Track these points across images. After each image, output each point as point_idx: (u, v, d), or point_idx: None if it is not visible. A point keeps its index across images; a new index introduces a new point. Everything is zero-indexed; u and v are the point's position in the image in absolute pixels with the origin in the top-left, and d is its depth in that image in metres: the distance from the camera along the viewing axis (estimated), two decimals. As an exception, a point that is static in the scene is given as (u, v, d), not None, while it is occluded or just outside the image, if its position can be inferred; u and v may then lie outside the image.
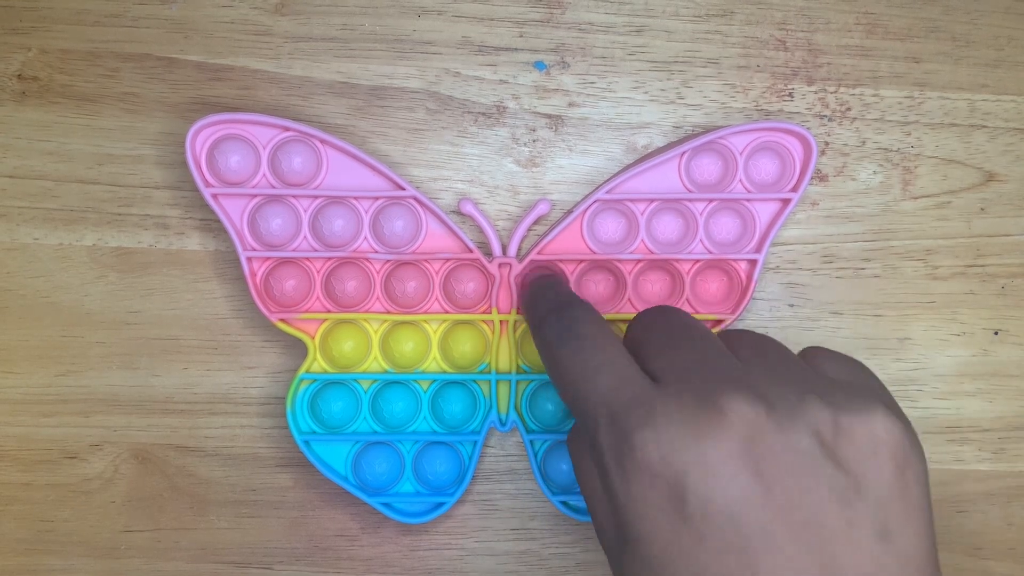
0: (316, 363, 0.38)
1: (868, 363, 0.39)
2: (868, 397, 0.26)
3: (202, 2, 0.39)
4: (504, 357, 0.38)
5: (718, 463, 0.24)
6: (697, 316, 0.38)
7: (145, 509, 0.39)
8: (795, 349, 0.39)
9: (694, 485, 0.24)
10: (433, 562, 0.39)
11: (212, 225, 0.39)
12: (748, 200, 0.37)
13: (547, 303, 0.32)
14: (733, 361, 0.28)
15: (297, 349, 0.39)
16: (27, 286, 0.39)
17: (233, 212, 0.37)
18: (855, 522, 0.24)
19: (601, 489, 0.27)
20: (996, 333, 0.40)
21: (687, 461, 0.24)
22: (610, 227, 0.38)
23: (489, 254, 0.38)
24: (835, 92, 0.40)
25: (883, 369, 0.40)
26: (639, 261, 0.38)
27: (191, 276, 0.39)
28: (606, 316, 0.38)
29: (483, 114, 0.39)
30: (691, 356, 0.28)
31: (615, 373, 0.27)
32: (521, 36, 0.39)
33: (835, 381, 0.28)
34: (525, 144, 0.39)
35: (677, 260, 0.38)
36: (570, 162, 0.39)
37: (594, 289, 0.38)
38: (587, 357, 0.28)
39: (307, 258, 0.37)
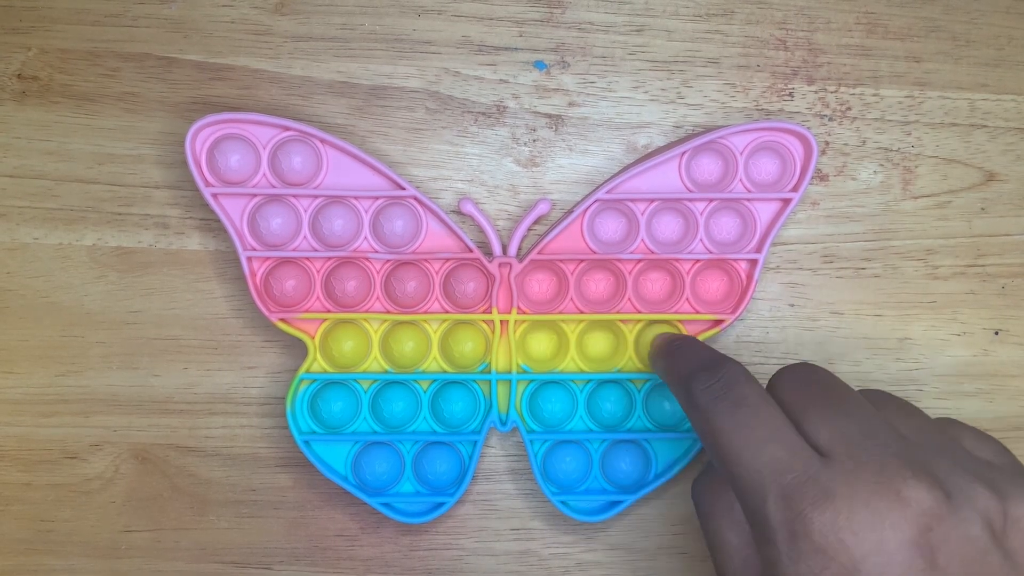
0: (316, 363, 0.38)
1: (868, 363, 0.40)
2: None
3: (202, 2, 0.39)
4: (504, 357, 0.38)
5: (895, 550, 0.24)
6: (697, 316, 0.38)
7: (145, 509, 0.39)
8: (796, 351, 0.40)
9: (869, 570, 0.24)
10: (433, 562, 0.39)
11: (212, 225, 0.39)
12: (748, 200, 0.37)
13: (694, 360, 0.31)
14: (895, 433, 0.27)
15: (297, 349, 0.39)
16: (27, 286, 0.39)
17: (233, 212, 0.37)
18: None
19: (751, 554, 0.28)
20: (996, 333, 0.40)
21: (865, 546, 0.25)
22: (610, 227, 0.38)
23: (489, 254, 0.38)
24: (835, 92, 0.40)
25: (883, 369, 0.40)
26: (639, 261, 0.38)
27: (191, 276, 0.39)
28: (607, 316, 0.38)
29: (483, 114, 0.39)
30: (856, 427, 0.27)
31: (783, 445, 0.27)
32: (521, 35, 0.39)
33: (992, 464, 0.28)
34: (525, 144, 0.39)
35: (677, 260, 0.38)
36: (570, 162, 0.39)
37: (594, 289, 0.38)
38: (751, 425, 0.28)
39: (307, 258, 0.37)
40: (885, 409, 0.29)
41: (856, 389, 0.30)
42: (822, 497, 0.25)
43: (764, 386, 0.30)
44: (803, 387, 0.29)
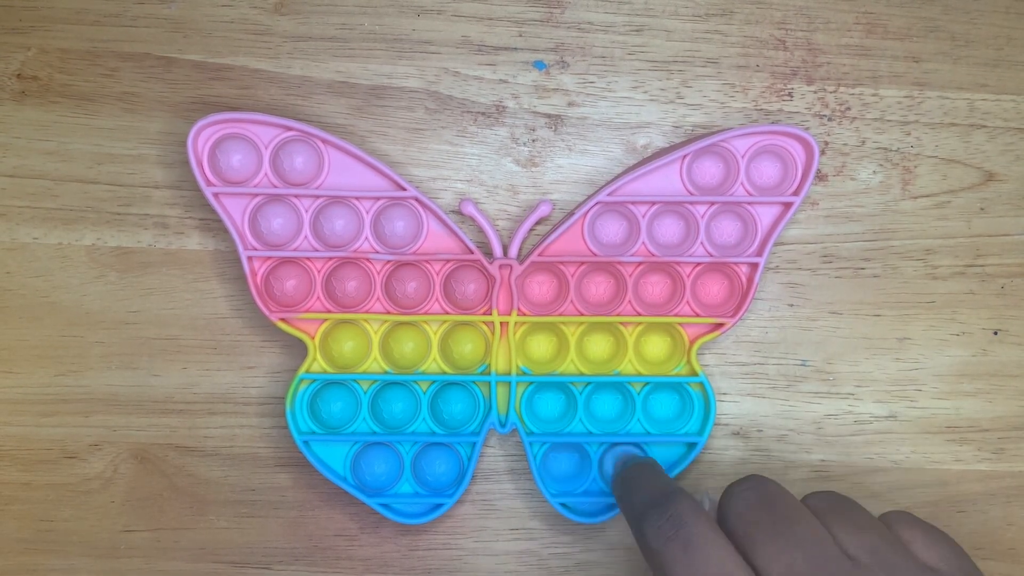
0: (316, 363, 0.38)
1: (867, 363, 0.40)
2: None
3: (201, 1, 0.39)
4: (504, 358, 0.38)
5: None
6: (698, 319, 0.38)
7: (145, 509, 0.39)
8: (795, 350, 0.40)
9: None
10: (432, 562, 0.39)
11: (211, 225, 0.39)
12: (749, 203, 0.37)
13: (645, 494, 0.31)
14: (842, 561, 0.27)
15: (296, 349, 0.39)
16: (27, 286, 0.39)
17: (234, 211, 0.37)
18: None
19: None
20: (996, 333, 0.40)
21: None
22: (611, 229, 0.38)
23: (490, 255, 0.38)
24: (834, 92, 0.40)
25: (882, 369, 0.40)
26: (640, 263, 0.38)
27: (190, 276, 0.39)
28: (607, 319, 0.38)
29: (483, 114, 0.39)
30: (804, 560, 0.27)
31: None
32: (520, 35, 0.39)
33: (935, 573, 0.28)
34: (525, 144, 0.39)
35: (678, 263, 0.38)
36: (570, 162, 0.39)
37: (595, 291, 0.38)
38: (698, 565, 0.28)
39: (308, 258, 0.37)
40: (834, 524, 0.29)
41: (810, 495, 0.31)
42: None
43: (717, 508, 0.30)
44: (752, 513, 0.29)
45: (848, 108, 0.40)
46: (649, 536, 0.29)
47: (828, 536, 0.28)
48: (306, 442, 0.38)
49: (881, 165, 0.40)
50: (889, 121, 0.40)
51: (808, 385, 0.40)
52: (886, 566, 0.28)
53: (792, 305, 0.40)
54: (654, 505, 0.30)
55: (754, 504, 0.29)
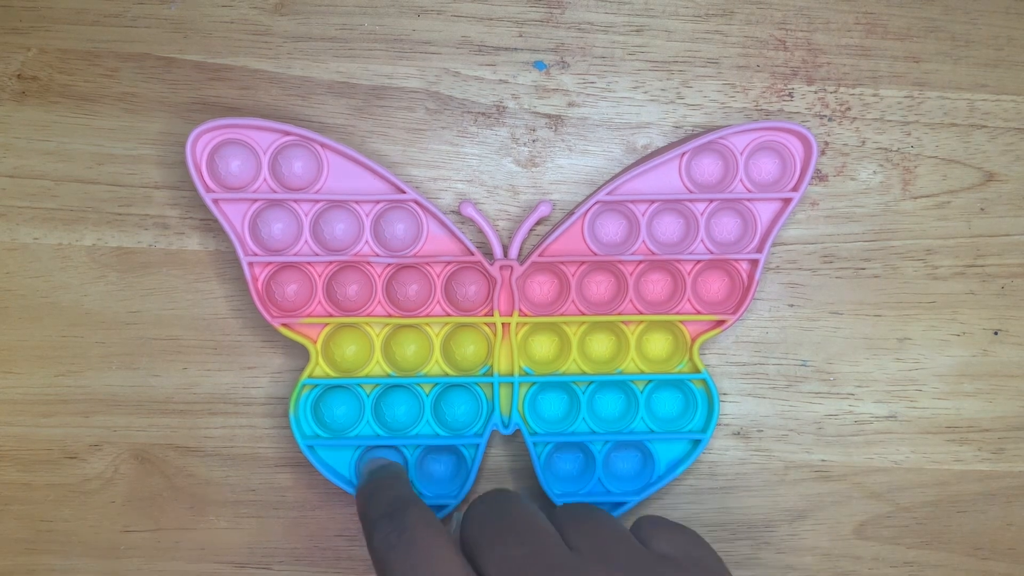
0: (319, 368, 0.38)
1: (867, 363, 0.40)
2: (694, 574, 0.28)
3: (201, 2, 0.39)
4: (506, 359, 0.38)
5: None
6: (699, 317, 0.38)
7: (145, 509, 0.39)
8: (796, 351, 0.40)
9: None
10: (433, 562, 0.39)
11: (212, 225, 0.39)
12: (749, 200, 0.37)
13: (380, 506, 0.31)
14: (562, 551, 0.28)
15: (297, 349, 0.39)
16: (27, 286, 0.39)
17: (234, 217, 0.37)
18: None
19: None
20: (996, 333, 0.40)
21: None
22: (611, 228, 0.38)
23: (490, 256, 0.38)
24: (835, 92, 0.40)
25: (883, 369, 0.40)
26: (640, 262, 0.38)
27: (191, 276, 0.39)
28: (607, 318, 0.38)
29: (483, 114, 0.39)
30: (521, 554, 0.28)
31: None
32: (521, 36, 0.39)
33: (664, 559, 0.29)
34: (525, 144, 0.39)
35: (678, 261, 0.38)
36: (570, 162, 0.39)
37: (595, 290, 0.39)
38: (416, 565, 0.28)
39: (308, 262, 0.37)
40: (566, 526, 0.30)
41: (560, 506, 0.32)
42: None
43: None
44: (483, 520, 0.30)
45: (848, 108, 0.40)
46: (376, 540, 0.30)
47: (555, 534, 0.29)
48: (310, 447, 0.38)
49: (881, 165, 0.40)
50: (889, 121, 0.40)
51: (808, 385, 0.40)
52: (605, 555, 0.28)
53: (792, 305, 0.40)
54: (386, 515, 0.30)
55: (484, 512, 0.30)
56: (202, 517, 0.39)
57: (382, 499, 0.32)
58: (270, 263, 0.37)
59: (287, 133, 0.36)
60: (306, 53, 0.39)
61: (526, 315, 0.38)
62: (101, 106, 0.39)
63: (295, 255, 0.37)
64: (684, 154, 0.37)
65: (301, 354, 0.39)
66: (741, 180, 0.37)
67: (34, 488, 0.39)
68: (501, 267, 0.37)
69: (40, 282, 0.39)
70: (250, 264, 0.37)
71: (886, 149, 0.40)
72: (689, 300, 0.38)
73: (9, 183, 0.38)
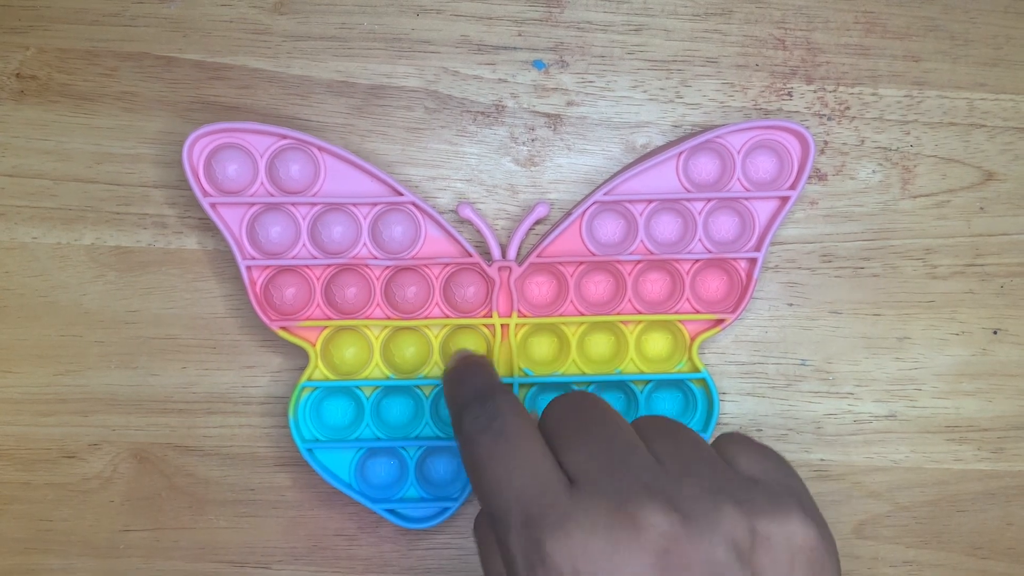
0: (318, 370, 0.38)
1: (866, 362, 0.39)
2: (785, 501, 0.26)
3: (201, 1, 0.39)
4: (505, 361, 0.38)
5: None
6: (698, 316, 0.38)
7: (144, 508, 0.39)
8: (795, 350, 0.40)
9: None
10: (432, 562, 0.39)
11: (210, 224, 0.39)
12: (747, 198, 0.37)
13: (470, 390, 0.31)
14: (647, 459, 0.27)
15: (295, 349, 0.39)
16: (26, 285, 0.39)
17: (232, 221, 0.37)
18: None
19: None
20: (995, 332, 0.40)
21: (600, 574, 0.24)
22: (609, 228, 0.38)
23: (488, 257, 0.38)
24: (834, 91, 0.40)
25: (882, 368, 0.40)
26: (639, 262, 0.38)
27: (190, 275, 0.39)
28: (606, 318, 0.38)
29: (482, 113, 0.39)
30: (605, 453, 0.27)
31: (532, 473, 0.26)
32: (520, 35, 0.39)
33: (752, 481, 0.27)
34: (524, 143, 0.39)
35: (677, 260, 0.38)
36: (569, 161, 0.39)
37: (594, 291, 0.38)
38: (507, 456, 0.27)
39: (306, 266, 0.37)
40: (652, 437, 0.28)
41: (640, 416, 0.30)
42: (559, 525, 0.25)
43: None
44: (566, 415, 0.29)
45: (847, 107, 0.40)
46: (466, 424, 0.29)
47: (639, 441, 0.28)
48: (310, 450, 0.38)
49: (880, 164, 0.40)
50: (888, 120, 0.40)
51: (808, 384, 0.40)
52: (692, 471, 0.27)
53: (792, 304, 0.40)
54: (476, 398, 0.30)
55: (568, 409, 0.29)
56: (201, 516, 0.39)
57: (471, 384, 0.31)
58: (268, 267, 0.37)
59: (284, 136, 0.36)
60: (305, 52, 0.39)
61: (525, 316, 0.38)
62: (100, 105, 0.39)
63: (293, 258, 0.37)
64: (681, 154, 0.37)
65: (300, 354, 0.39)
66: (738, 179, 0.37)
67: (33, 487, 0.39)
68: (499, 268, 0.37)
69: (39, 281, 0.39)
70: (248, 268, 0.37)
71: (885, 148, 0.40)
72: (688, 299, 0.38)
73: (8, 182, 0.38)
